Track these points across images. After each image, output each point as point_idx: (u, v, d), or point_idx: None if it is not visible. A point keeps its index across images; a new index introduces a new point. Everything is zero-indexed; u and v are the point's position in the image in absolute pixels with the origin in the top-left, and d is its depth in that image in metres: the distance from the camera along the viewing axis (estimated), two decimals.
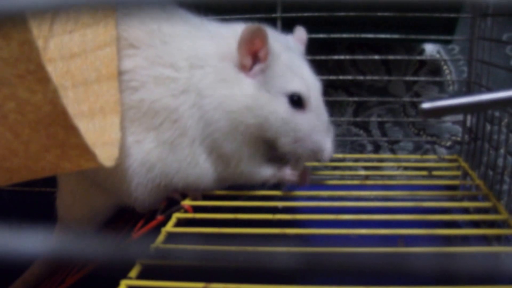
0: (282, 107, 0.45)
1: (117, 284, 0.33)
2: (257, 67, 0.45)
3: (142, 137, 0.46)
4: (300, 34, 0.52)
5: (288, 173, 0.49)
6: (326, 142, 0.46)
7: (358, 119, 0.73)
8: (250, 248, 0.14)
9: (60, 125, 0.30)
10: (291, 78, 0.46)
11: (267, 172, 0.49)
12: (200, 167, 0.47)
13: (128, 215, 0.55)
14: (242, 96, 0.45)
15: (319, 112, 0.47)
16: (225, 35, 0.47)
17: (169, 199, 0.50)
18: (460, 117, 0.65)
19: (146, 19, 0.46)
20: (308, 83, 0.47)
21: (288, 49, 0.48)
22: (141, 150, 0.46)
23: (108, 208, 0.52)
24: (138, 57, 0.45)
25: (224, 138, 0.46)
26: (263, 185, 0.50)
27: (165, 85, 0.45)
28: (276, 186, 0.55)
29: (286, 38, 0.51)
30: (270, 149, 0.49)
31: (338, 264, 0.13)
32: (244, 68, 0.45)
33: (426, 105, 0.32)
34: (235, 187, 0.50)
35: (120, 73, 0.45)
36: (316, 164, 0.65)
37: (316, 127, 0.46)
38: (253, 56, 0.45)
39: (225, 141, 0.46)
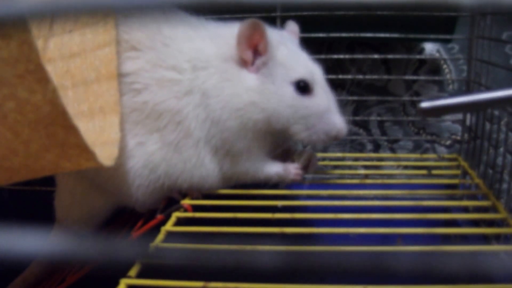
0: (289, 95, 0.46)
1: (117, 283, 0.33)
2: (258, 61, 0.46)
3: (145, 139, 0.46)
4: (292, 27, 0.53)
5: (293, 172, 0.49)
6: (338, 119, 0.48)
7: (357, 118, 0.73)
8: (249, 247, 0.14)
9: (59, 124, 0.30)
10: (294, 66, 0.47)
11: (272, 169, 0.49)
12: (205, 167, 0.47)
13: (128, 214, 0.55)
14: (247, 92, 0.45)
15: (325, 94, 0.48)
16: (225, 35, 0.47)
17: (169, 198, 0.50)
18: (459, 116, 0.65)
19: (147, 22, 0.47)
20: (310, 68, 0.48)
21: (285, 40, 0.49)
22: (144, 151, 0.46)
23: (107, 209, 0.52)
24: (140, 60, 0.46)
25: (234, 137, 0.46)
26: (266, 184, 0.50)
27: (168, 87, 0.45)
28: (276, 185, 0.55)
29: (280, 32, 0.51)
30: (276, 146, 0.49)
31: (331, 263, 0.13)
32: (246, 64, 0.46)
33: (425, 104, 0.32)
34: (235, 186, 0.51)
35: (122, 75, 0.45)
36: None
37: (325, 108, 0.47)
38: (253, 50, 0.46)
39: (236, 140, 0.46)
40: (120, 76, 0.45)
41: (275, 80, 0.46)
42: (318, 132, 0.47)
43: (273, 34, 0.47)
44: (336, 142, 0.69)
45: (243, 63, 0.46)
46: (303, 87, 0.46)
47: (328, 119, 0.47)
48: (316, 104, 0.47)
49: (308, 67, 0.47)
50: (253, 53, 0.46)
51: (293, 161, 0.51)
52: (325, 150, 0.71)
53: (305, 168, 0.51)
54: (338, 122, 0.47)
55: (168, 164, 0.47)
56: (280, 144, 0.50)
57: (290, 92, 0.46)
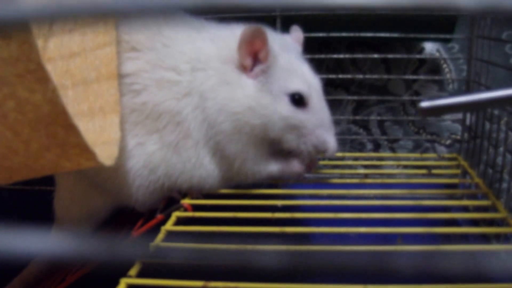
0: (284, 107, 0.46)
1: (117, 282, 0.33)
2: (258, 68, 0.46)
3: (144, 139, 0.46)
4: (297, 33, 0.53)
5: (296, 166, 0.49)
6: (329, 137, 0.47)
7: (357, 117, 0.73)
8: (249, 247, 0.14)
9: (60, 124, 0.30)
10: (291, 78, 0.46)
11: (273, 168, 0.49)
12: (205, 168, 0.47)
13: (128, 214, 0.55)
14: (244, 97, 0.45)
15: (320, 109, 0.48)
16: (225, 37, 0.47)
17: (169, 198, 0.50)
18: (459, 115, 0.65)
19: (147, 22, 0.46)
20: (309, 81, 0.47)
21: (287, 49, 0.48)
22: (144, 152, 0.46)
23: (107, 208, 0.52)
24: (140, 60, 0.46)
25: (228, 140, 0.46)
26: (266, 183, 0.50)
27: (168, 88, 0.45)
28: (276, 184, 0.55)
29: (283, 38, 0.51)
30: (275, 146, 0.49)
31: (331, 263, 0.13)
32: (245, 69, 0.46)
33: (425, 104, 0.32)
34: (236, 186, 0.51)
35: (122, 75, 0.45)
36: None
37: (318, 123, 0.47)
38: (253, 56, 0.45)
39: (229, 143, 0.46)
40: (120, 77, 0.45)
41: (271, 89, 0.46)
42: (307, 144, 0.47)
43: (275, 41, 0.47)
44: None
45: (242, 68, 0.46)
46: (298, 100, 0.46)
47: (319, 134, 0.47)
48: (309, 118, 0.47)
49: (306, 80, 0.47)
50: (253, 59, 0.46)
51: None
52: None
53: (306, 167, 0.51)
54: (329, 140, 0.47)
55: (168, 164, 0.47)
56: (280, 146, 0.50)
57: (285, 103, 0.46)
